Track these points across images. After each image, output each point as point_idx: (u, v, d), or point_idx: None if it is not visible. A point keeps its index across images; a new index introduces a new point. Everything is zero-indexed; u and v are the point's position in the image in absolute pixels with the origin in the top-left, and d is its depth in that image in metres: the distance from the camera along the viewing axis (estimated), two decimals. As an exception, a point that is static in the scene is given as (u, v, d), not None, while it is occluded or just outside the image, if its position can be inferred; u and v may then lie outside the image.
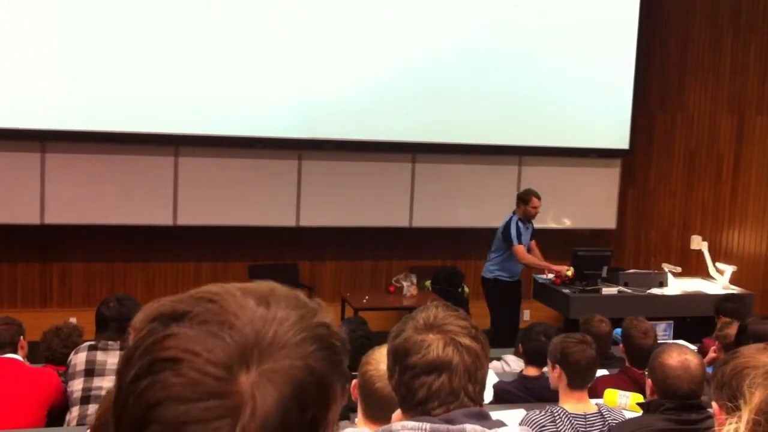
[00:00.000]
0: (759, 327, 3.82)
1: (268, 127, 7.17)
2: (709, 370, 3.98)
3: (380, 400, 2.23)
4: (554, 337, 3.53)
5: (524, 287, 7.85)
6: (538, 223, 7.98)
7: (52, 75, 6.69)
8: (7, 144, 6.70)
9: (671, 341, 4.92)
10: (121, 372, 0.76)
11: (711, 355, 4.53)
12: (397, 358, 1.61)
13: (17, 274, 7.16)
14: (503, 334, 6.25)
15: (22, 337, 3.85)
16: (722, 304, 5.56)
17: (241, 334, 0.74)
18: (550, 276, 7.01)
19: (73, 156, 6.90)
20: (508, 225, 6.67)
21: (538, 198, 6.69)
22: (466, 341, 1.58)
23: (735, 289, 7.08)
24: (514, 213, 6.77)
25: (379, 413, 2.23)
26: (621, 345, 4.30)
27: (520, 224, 6.65)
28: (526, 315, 8.01)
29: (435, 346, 1.57)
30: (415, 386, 1.57)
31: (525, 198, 6.75)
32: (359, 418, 2.35)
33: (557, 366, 3.31)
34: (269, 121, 7.17)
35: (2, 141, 6.66)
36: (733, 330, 4.35)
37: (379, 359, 2.29)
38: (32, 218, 6.85)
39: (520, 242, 6.61)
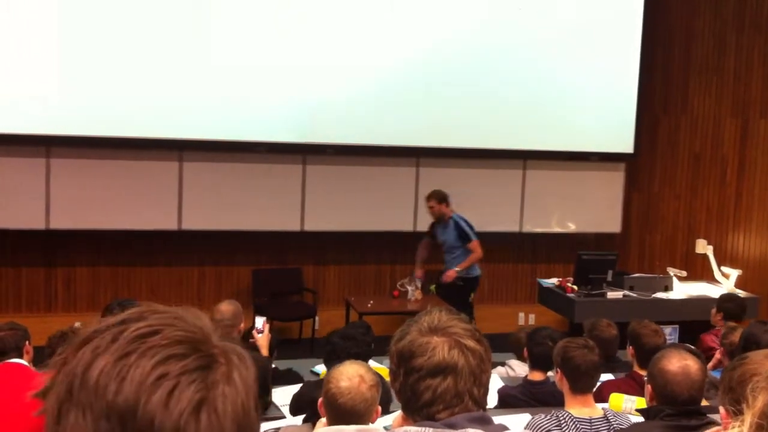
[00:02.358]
0: (759, 334, 3.84)
1: (273, 132, 7.18)
2: (716, 374, 3.98)
3: (343, 413, 2.53)
4: (558, 342, 3.53)
5: (529, 291, 7.87)
6: (543, 227, 8.01)
7: (57, 80, 6.71)
8: (12, 149, 6.72)
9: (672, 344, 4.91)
10: (83, 368, 0.75)
11: (717, 357, 4.53)
12: (401, 360, 1.60)
13: (22, 278, 7.18)
14: None
15: (27, 342, 3.85)
16: (723, 304, 5.56)
17: (190, 317, 0.81)
18: (554, 280, 7.01)
19: (78, 161, 6.91)
20: (458, 224, 6.93)
21: (426, 199, 7.05)
22: (471, 344, 1.58)
23: (741, 293, 7.05)
24: (453, 212, 7.01)
25: (344, 423, 2.52)
26: (629, 347, 4.28)
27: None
28: (531, 319, 8.00)
29: (440, 349, 1.56)
30: (420, 389, 1.56)
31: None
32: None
33: (559, 370, 3.32)
34: (273, 126, 7.18)
35: (8, 146, 6.68)
36: (737, 336, 4.34)
37: (338, 378, 2.57)
38: (37, 223, 6.87)
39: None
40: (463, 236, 6.97)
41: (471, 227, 6.99)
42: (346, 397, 2.52)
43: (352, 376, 2.58)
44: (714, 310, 5.57)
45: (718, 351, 4.55)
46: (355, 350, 3.82)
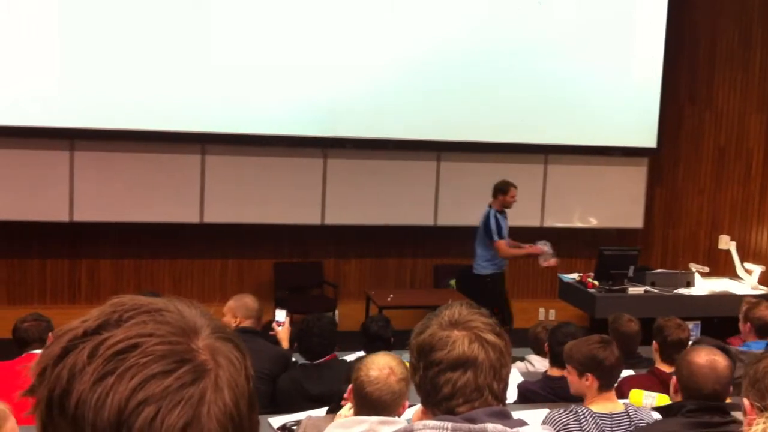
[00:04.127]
0: None
1: (294, 126, 7.20)
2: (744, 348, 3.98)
3: (370, 402, 2.56)
4: (569, 345, 3.46)
5: (550, 286, 7.83)
6: (564, 222, 7.95)
7: (83, 74, 6.76)
8: (37, 142, 6.78)
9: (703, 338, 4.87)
10: (61, 392, 0.71)
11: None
12: (421, 354, 1.61)
13: (47, 270, 7.26)
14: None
15: (50, 334, 3.89)
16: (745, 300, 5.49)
17: (175, 315, 0.76)
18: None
19: (102, 154, 6.97)
20: (486, 219, 6.77)
21: (515, 187, 6.83)
22: (491, 338, 1.58)
23: (764, 289, 6.99)
24: (490, 206, 6.85)
25: (369, 412, 2.53)
26: (654, 342, 4.25)
27: (498, 216, 6.78)
28: (552, 314, 7.97)
29: (460, 342, 1.57)
30: (440, 382, 1.56)
31: (504, 188, 6.84)
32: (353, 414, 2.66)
33: (589, 375, 3.25)
34: (295, 120, 7.20)
35: (32, 139, 6.75)
36: (763, 311, 4.33)
37: (369, 366, 2.61)
38: (61, 215, 6.94)
39: (500, 237, 6.77)
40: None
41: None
42: (374, 387, 2.55)
43: (382, 366, 2.60)
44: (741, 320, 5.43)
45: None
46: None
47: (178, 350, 0.72)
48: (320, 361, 4.03)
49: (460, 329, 1.58)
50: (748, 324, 4.54)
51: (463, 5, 7.39)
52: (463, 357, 1.56)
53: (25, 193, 6.83)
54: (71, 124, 6.74)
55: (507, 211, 6.90)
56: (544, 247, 6.87)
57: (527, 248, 6.97)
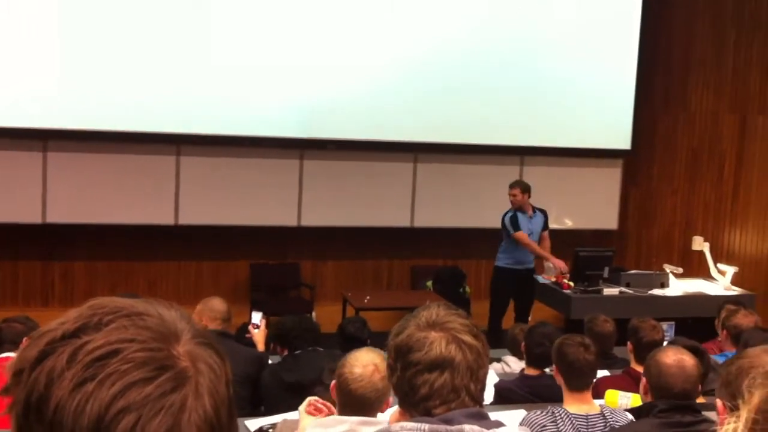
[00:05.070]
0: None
1: (270, 127, 7.18)
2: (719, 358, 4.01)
3: (354, 400, 2.52)
4: (543, 343, 3.52)
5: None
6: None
7: (54, 74, 6.70)
8: (9, 143, 6.70)
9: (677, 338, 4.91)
10: (38, 396, 0.70)
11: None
12: (399, 355, 1.61)
13: (19, 273, 7.17)
14: (494, 326, 6.67)
15: (25, 338, 3.84)
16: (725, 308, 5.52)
17: (156, 319, 0.75)
18: (551, 279, 7.01)
19: (75, 155, 6.90)
20: (504, 216, 6.89)
21: (511, 187, 6.89)
22: (468, 339, 1.59)
23: (737, 290, 7.07)
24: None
25: (353, 411, 2.48)
26: (628, 343, 4.29)
27: (518, 214, 6.85)
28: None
29: (438, 344, 1.57)
30: (418, 383, 1.56)
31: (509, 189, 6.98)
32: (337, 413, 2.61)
33: (555, 367, 3.33)
34: (271, 120, 7.18)
35: (4, 140, 6.67)
36: (740, 319, 4.37)
37: (353, 363, 2.55)
38: (34, 217, 6.86)
39: (518, 228, 6.82)
40: (546, 221, 7.07)
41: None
42: (357, 384, 2.53)
43: (366, 363, 2.57)
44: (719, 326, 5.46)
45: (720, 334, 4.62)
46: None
47: (158, 357, 0.71)
48: (298, 351, 4.06)
49: (437, 330, 1.59)
50: (725, 331, 4.57)
51: (439, 10, 7.41)
52: (441, 358, 1.56)
53: (-4, 195, 6.75)
54: (44, 125, 6.67)
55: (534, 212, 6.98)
56: (559, 264, 6.90)
57: (546, 254, 7.01)
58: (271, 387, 3.96)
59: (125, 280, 7.31)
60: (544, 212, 7.04)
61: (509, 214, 6.87)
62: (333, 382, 2.63)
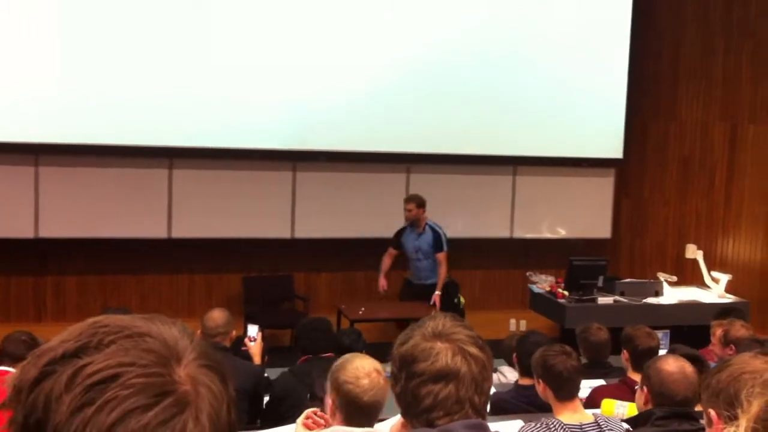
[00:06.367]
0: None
1: (263, 139, 7.17)
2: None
3: (366, 410, 2.48)
4: (535, 352, 3.49)
5: (520, 297, 7.83)
6: (533, 233, 7.97)
7: (46, 88, 6.68)
8: (1, 157, 6.68)
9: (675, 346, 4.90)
10: (36, 419, 0.69)
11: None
12: (403, 364, 1.59)
13: (11, 287, 7.13)
14: None
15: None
16: (721, 316, 5.53)
17: (158, 340, 0.74)
18: (545, 288, 7.00)
19: (67, 169, 6.88)
20: (436, 231, 6.89)
21: (406, 201, 6.90)
22: (474, 351, 1.58)
23: (731, 298, 7.08)
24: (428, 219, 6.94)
25: (362, 419, 2.45)
26: (624, 352, 4.27)
27: (407, 229, 6.94)
28: (523, 325, 8.00)
29: (444, 355, 1.56)
30: (422, 394, 1.55)
31: None
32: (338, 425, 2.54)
33: (541, 380, 3.29)
34: (263, 132, 7.17)
35: (-4, 154, 6.65)
36: (737, 331, 4.36)
37: (357, 375, 2.50)
38: (26, 232, 6.83)
39: (395, 245, 7.00)
40: (438, 244, 6.90)
41: (446, 237, 6.95)
42: (370, 395, 2.48)
43: (369, 371, 2.53)
44: (713, 328, 5.49)
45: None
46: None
47: (159, 383, 0.70)
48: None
49: (443, 341, 1.57)
50: (731, 346, 4.51)
51: (431, 20, 7.43)
52: (446, 369, 1.55)
53: (-12, 210, 6.72)
54: (36, 139, 6.65)
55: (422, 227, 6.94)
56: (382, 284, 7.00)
57: (382, 274, 7.09)
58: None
59: (117, 294, 7.27)
60: (437, 231, 6.92)
61: (399, 229, 6.94)
62: (329, 400, 2.57)
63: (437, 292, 6.85)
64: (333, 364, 2.63)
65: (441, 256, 6.89)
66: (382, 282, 7.02)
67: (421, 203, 6.84)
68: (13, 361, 3.71)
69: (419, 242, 6.92)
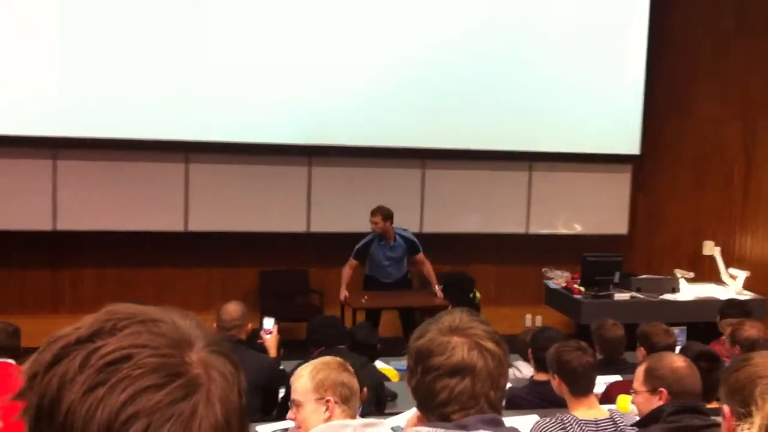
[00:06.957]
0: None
1: (278, 134, 7.19)
2: None
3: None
4: (550, 347, 3.49)
5: (536, 292, 7.81)
6: (549, 229, 7.95)
7: (64, 83, 6.73)
8: (19, 151, 6.74)
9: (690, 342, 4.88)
10: (50, 400, 0.70)
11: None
12: (419, 358, 1.60)
13: (29, 280, 7.19)
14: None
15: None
16: (726, 309, 5.51)
17: (170, 326, 0.75)
18: (561, 284, 6.99)
19: (85, 163, 6.93)
20: (407, 238, 6.91)
21: (373, 214, 6.79)
22: (491, 346, 1.57)
23: (749, 295, 7.03)
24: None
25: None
26: (639, 349, 4.26)
27: (375, 241, 6.86)
28: (538, 320, 7.99)
29: (460, 349, 1.56)
30: (437, 388, 1.55)
31: None
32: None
33: (556, 375, 3.31)
34: (280, 128, 7.19)
35: (14, 148, 6.70)
36: (747, 331, 4.33)
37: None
38: (44, 225, 6.89)
39: (357, 255, 6.92)
40: (413, 249, 6.92)
41: (416, 237, 6.95)
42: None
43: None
44: (718, 318, 5.51)
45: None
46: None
47: (171, 363, 0.71)
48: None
49: (460, 335, 1.57)
50: (737, 346, 4.49)
51: (446, 14, 7.41)
52: (462, 363, 1.55)
53: (7, 202, 6.78)
54: (53, 133, 6.70)
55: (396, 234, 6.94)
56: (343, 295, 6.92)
57: (343, 286, 6.97)
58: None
59: (134, 287, 7.31)
60: (408, 238, 6.91)
61: (364, 240, 6.84)
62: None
63: (438, 287, 6.92)
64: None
65: (421, 257, 6.95)
66: (344, 293, 6.90)
67: (388, 215, 6.76)
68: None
69: (391, 253, 6.90)
